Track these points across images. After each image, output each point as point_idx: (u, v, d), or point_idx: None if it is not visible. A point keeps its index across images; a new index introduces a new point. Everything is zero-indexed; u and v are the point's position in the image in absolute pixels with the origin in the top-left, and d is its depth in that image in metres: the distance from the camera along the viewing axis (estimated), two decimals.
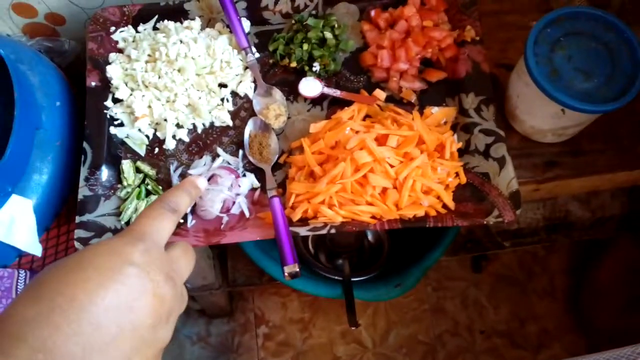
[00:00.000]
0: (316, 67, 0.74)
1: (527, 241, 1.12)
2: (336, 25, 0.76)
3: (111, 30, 0.77)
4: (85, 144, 0.70)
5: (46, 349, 0.28)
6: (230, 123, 0.73)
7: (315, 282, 0.94)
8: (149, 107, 0.72)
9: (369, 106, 0.71)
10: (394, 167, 0.64)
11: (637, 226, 1.11)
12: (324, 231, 0.63)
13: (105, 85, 0.74)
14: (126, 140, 0.72)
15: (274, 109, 0.72)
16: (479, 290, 1.31)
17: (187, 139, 0.73)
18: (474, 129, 0.69)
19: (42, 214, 0.69)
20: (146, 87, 0.72)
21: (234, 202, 0.68)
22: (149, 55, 0.73)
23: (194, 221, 0.68)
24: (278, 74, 0.77)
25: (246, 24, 0.77)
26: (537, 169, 0.72)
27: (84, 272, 0.31)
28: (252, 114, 0.74)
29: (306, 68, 0.75)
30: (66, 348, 0.29)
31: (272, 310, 1.30)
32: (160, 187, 0.70)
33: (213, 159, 0.71)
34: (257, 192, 0.69)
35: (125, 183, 0.69)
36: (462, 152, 0.69)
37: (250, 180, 0.69)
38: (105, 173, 0.70)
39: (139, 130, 0.72)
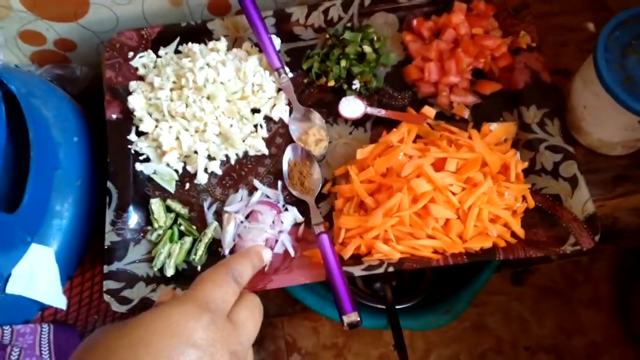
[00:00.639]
0: (356, 84, 0.68)
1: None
2: (375, 38, 0.70)
3: (129, 56, 0.71)
4: (109, 184, 0.64)
5: None
6: (266, 151, 0.67)
7: None
8: (177, 139, 0.66)
9: (418, 125, 0.64)
10: (456, 194, 0.57)
11: None
12: (380, 270, 0.57)
13: (128, 117, 0.68)
14: (154, 176, 0.66)
15: (314, 133, 0.66)
16: (520, 304, 1.25)
17: (219, 172, 0.67)
18: (538, 145, 0.63)
19: (64, 262, 0.63)
20: (173, 117, 0.66)
21: (276, 241, 0.61)
22: (173, 82, 0.67)
23: None
24: (314, 94, 0.70)
25: (277, 41, 0.70)
26: (606, 185, 0.66)
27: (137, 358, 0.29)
28: (289, 139, 0.67)
29: (345, 86, 0.69)
30: None
31: (303, 336, 1.24)
32: (194, 227, 0.64)
33: (250, 193, 0.65)
34: (302, 228, 0.63)
35: (155, 225, 0.62)
36: (526, 173, 0.63)
37: (293, 214, 0.63)
38: (133, 215, 0.63)
39: (167, 165, 0.66)
